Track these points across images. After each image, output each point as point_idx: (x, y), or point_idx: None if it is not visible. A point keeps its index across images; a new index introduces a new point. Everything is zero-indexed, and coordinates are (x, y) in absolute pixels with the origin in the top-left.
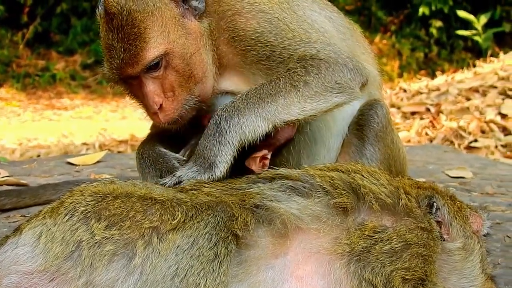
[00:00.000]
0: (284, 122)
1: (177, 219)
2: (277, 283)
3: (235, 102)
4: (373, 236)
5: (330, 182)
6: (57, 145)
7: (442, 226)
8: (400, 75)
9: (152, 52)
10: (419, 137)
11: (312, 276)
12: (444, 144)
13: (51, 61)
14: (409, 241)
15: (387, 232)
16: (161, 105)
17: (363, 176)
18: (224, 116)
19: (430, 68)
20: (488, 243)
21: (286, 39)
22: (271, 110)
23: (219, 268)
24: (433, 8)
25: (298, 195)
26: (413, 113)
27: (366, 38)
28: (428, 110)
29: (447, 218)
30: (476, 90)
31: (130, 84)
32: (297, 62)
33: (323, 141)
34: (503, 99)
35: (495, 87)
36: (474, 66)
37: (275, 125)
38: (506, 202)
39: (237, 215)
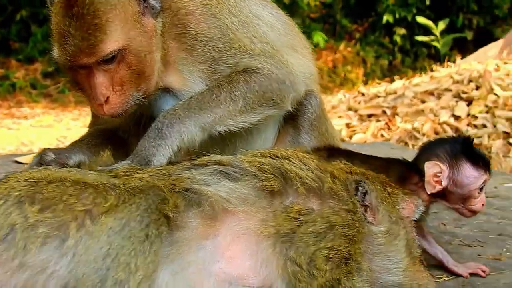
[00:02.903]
0: (218, 131)
1: (109, 202)
2: (208, 263)
3: (177, 110)
4: (298, 218)
5: (258, 166)
6: (15, 153)
7: (368, 210)
8: (365, 83)
9: (110, 45)
10: (374, 138)
11: (241, 257)
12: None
13: (10, 69)
14: (333, 222)
15: (311, 215)
16: (107, 97)
17: (291, 161)
18: (166, 122)
19: (394, 75)
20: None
21: (233, 48)
22: (210, 121)
23: (150, 248)
24: (397, 16)
25: (227, 179)
26: (369, 116)
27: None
28: (384, 112)
29: (374, 202)
30: (431, 93)
31: (78, 72)
32: (241, 75)
33: (259, 132)
34: (457, 102)
35: (450, 90)
36: (432, 70)
37: (210, 134)
38: None
39: (168, 198)
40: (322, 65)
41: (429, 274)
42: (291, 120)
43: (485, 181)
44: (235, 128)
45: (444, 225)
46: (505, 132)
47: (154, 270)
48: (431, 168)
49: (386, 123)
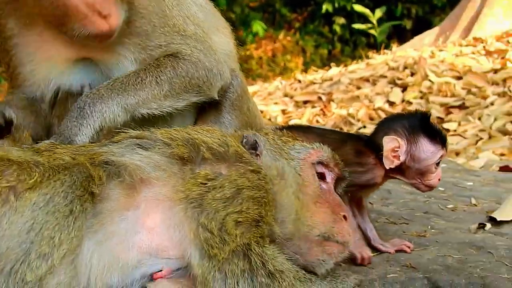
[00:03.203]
0: (142, 114)
1: (34, 179)
2: (130, 234)
3: (100, 90)
4: (206, 184)
5: (169, 136)
6: None
7: (258, 158)
8: (305, 72)
9: None
10: (310, 124)
11: (160, 227)
12: None
13: None
14: (240, 185)
15: (219, 179)
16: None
17: (198, 131)
18: (88, 102)
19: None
20: None
21: (167, 26)
22: (133, 103)
23: (73, 223)
24: (336, 5)
25: (141, 148)
26: (305, 102)
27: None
28: (320, 99)
29: (264, 150)
30: (367, 79)
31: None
32: (169, 60)
33: (181, 112)
34: (391, 88)
35: (385, 77)
36: (368, 58)
37: (133, 116)
38: None
39: (93, 175)
40: (262, 54)
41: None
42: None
43: (441, 156)
44: (159, 112)
45: (371, 204)
46: (438, 117)
47: (78, 245)
48: (389, 142)
49: (322, 109)
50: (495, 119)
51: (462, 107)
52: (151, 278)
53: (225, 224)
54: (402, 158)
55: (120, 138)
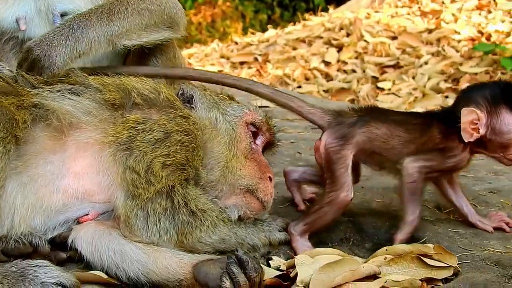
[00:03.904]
0: (123, 46)
1: None
2: (56, 177)
3: (91, 16)
4: (136, 127)
5: (101, 82)
6: None
7: (192, 110)
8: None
9: None
10: None
11: (88, 172)
12: None
13: None
14: (169, 129)
15: (149, 123)
16: None
17: (130, 78)
18: (81, 26)
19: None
20: (279, 158)
21: None
22: (117, 34)
23: None
24: None
25: (72, 94)
26: (241, 63)
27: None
28: (256, 60)
29: (198, 104)
30: (303, 40)
31: None
32: None
33: (107, 56)
34: (327, 48)
35: (321, 38)
36: (305, 19)
37: (114, 47)
38: (303, 125)
39: (16, 116)
40: (201, 19)
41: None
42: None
43: None
44: (138, 42)
45: (300, 153)
46: (373, 77)
47: (1, 186)
48: (467, 115)
49: (258, 70)
50: (429, 78)
51: (396, 66)
52: (78, 222)
53: (152, 166)
54: (482, 131)
55: (51, 81)
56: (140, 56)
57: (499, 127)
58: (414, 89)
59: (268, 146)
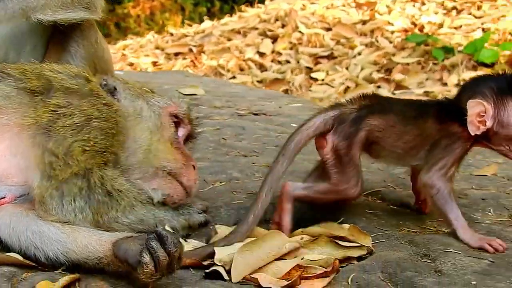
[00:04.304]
0: (37, 20)
1: None
2: None
3: None
4: (57, 111)
5: (21, 71)
6: None
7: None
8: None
9: None
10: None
11: (5, 155)
12: None
13: None
14: (90, 115)
15: (70, 108)
16: None
17: (52, 65)
18: None
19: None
20: (204, 144)
21: None
22: (32, 7)
23: None
24: None
25: None
26: (176, 54)
27: None
28: (191, 50)
29: (122, 94)
30: (238, 31)
31: None
32: None
33: (31, 42)
34: (262, 39)
35: (257, 29)
36: (241, 11)
37: (28, 19)
38: (229, 112)
39: None
40: (140, 12)
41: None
42: (60, 28)
43: None
44: (52, 18)
45: (225, 139)
46: (307, 67)
47: None
48: (474, 107)
49: (192, 61)
50: (362, 68)
51: (330, 57)
52: None
53: (71, 150)
54: (488, 124)
55: None
56: (61, 41)
57: (507, 119)
58: (347, 79)
59: (189, 138)
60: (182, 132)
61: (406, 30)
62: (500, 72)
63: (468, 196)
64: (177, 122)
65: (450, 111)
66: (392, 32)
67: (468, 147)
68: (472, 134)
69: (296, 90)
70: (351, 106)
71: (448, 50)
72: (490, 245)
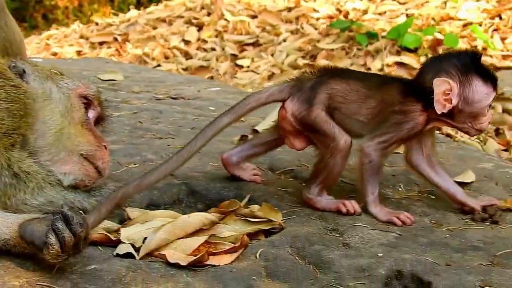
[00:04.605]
0: None
1: None
2: None
3: None
4: None
5: None
6: None
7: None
8: None
9: None
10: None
11: None
12: None
13: None
14: None
15: None
16: None
17: None
18: None
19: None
20: (120, 127)
21: None
22: None
23: None
24: None
25: None
26: (101, 43)
27: None
28: (116, 39)
29: (31, 76)
30: (163, 20)
31: None
32: None
33: None
34: (187, 27)
35: (182, 17)
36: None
37: None
38: (147, 97)
39: None
40: (68, 3)
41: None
42: None
43: (493, 98)
44: None
45: (141, 122)
46: (232, 55)
47: None
48: (440, 85)
49: (117, 49)
50: (287, 55)
51: (256, 44)
52: None
53: None
54: (454, 102)
55: None
56: None
57: (471, 96)
58: (273, 65)
59: (100, 120)
60: (92, 114)
61: (331, 17)
62: (461, 50)
63: None
64: (87, 103)
65: (412, 90)
66: (317, 19)
67: (422, 128)
68: (439, 112)
69: (221, 77)
70: (310, 76)
71: (372, 36)
72: (398, 218)
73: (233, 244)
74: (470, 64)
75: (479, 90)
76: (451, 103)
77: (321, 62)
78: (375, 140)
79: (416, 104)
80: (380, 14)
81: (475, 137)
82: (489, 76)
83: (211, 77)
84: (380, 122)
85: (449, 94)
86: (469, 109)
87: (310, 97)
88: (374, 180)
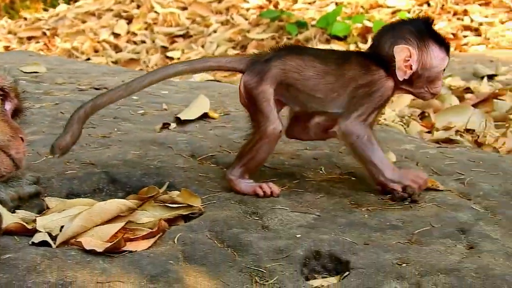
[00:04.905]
0: None
1: None
2: None
3: None
4: None
5: None
6: None
7: None
8: None
9: None
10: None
11: None
12: None
13: None
14: None
15: None
16: None
17: None
18: None
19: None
20: (41, 117)
21: None
22: None
23: None
24: None
25: None
26: (29, 38)
27: None
28: (44, 34)
29: None
30: (93, 13)
31: None
32: None
33: None
34: (117, 20)
35: (111, 10)
36: None
37: None
38: (70, 88)
39: None
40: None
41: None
42: None
43: (447, 63)
44: None
45: (63, 113)
46: (162, 47)
47: None
48: (400, 52)
49: (45, 44)
50: (218, 46)
51: (186, 36)
52: None
53: None
54: (414, 67)
55: None
56: None
57: (430, 61)
58: (203, 57)
59: (18, 112)
60: (9, 105)
61: (261, 7)
62: (413, 18)
63: (300, 156)
64: (3, 95)
65: (372, 60)
66: (248, 9)
67: (392, 93)
68: (401, 79)
69: (151, 70)
70: (269, 52)
71: (302, 25)
72: (415, 181)
73: (150, 230)
74: (425, 30)
75: (436, 55)
76: (411, 69)
77: (252, 52)
78: (351, 116)
79: (380, 71)
80: (309, 3)
81: (398, 119)
82: (442, 41)
83: (141, 70)
84: (343, 98)
85: (409, 60)
86: (427, 74)
87: (262, 70)
88: (373, 150)
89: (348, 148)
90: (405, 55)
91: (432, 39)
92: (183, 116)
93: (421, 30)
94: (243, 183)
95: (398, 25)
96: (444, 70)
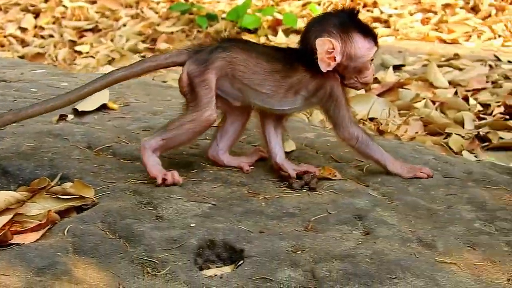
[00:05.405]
0: None
1: None
2: None
3: None
4: None
5: None
6: None
7: None
8: None
9: None
10: None
11: None
12: None
13: None
14: None
15: None
16: None
17: None
18: None
19: None
20: None
21: None
22: None
23: None
24: None
25: None
26: None
27: None
28: None
29: None
30: None
31: None
32: None
33: None
34: (24, 15)
35: (19, 4)
36: None
37: None
38: None
39: None
40: None
41: None
42: None
43: (375, 52)
44: None
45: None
46: (71, 41)
47: None
48: (322, 45)
49: None
50: (127, 40)
51: (95, 30)
52: None
53: None
54: (338, 59)
55: None
56: None
57: (354, 51)
58: (112, 50)
59: None
60: None
61: (171, 1)
62: (338, 9)
63: (199, 146)
64: None
65: (305, 57)
66: (158, 3)
67: (342, 87)
68: (324, 71)
69: (59, 64)
70: (213, 42)
71: (212, 18)
72: (422, 172)
73: (39, 222)
74: (349, 21)
75: (361, 45)
76: (335, 60)
77: (162, 45)
78: (342, 125)
79: (322, 74)
80: None
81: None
82: (368, 31)
83: (48, 64)
84: (291, 99)
85: (332, 52)
86: (353, 64)
87: (207, 60)
88: (373, 148)
89: (354, 151)
90: (327, 47)
91: (356, 29)
92: (80, 107)
93: (345, 22)
94: (151, 160)
95: (323, 18)
96: (372, 60)
